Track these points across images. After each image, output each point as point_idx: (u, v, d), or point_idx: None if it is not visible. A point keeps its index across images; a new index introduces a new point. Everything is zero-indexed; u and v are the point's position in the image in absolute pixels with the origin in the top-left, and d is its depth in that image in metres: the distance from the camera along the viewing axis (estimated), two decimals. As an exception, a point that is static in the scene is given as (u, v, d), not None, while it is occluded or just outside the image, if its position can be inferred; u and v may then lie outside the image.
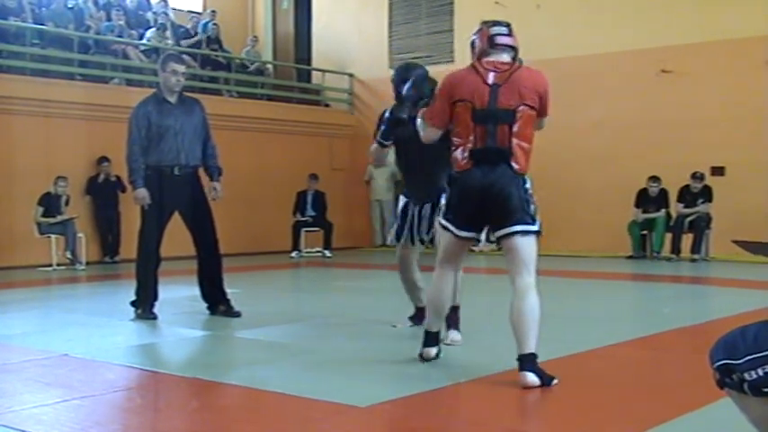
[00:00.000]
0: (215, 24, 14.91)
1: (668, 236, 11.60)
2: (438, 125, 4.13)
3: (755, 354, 2.07)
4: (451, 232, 4.06)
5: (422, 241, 5.13)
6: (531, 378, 3.71)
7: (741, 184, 11.47)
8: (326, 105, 16.01)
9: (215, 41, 14.77)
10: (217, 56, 14.60)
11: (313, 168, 13.68)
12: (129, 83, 12.63)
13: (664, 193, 11.69)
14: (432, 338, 4.30)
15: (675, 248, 11.41)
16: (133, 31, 13.56)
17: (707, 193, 11.40)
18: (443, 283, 4.21)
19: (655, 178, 11.63)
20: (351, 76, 15.66)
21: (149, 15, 14.60)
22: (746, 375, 2.08)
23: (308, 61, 16.39)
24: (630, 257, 11.76)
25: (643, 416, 3.34)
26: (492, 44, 3.99)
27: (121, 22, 13.35)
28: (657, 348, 5.01)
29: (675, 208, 11.63)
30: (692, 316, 6.44)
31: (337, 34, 15.84)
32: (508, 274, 3.94)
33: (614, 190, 12.25)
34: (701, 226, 11.33)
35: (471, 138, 3.92)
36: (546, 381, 3.75)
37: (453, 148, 4.03)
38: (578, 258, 11.81)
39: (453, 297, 4.86)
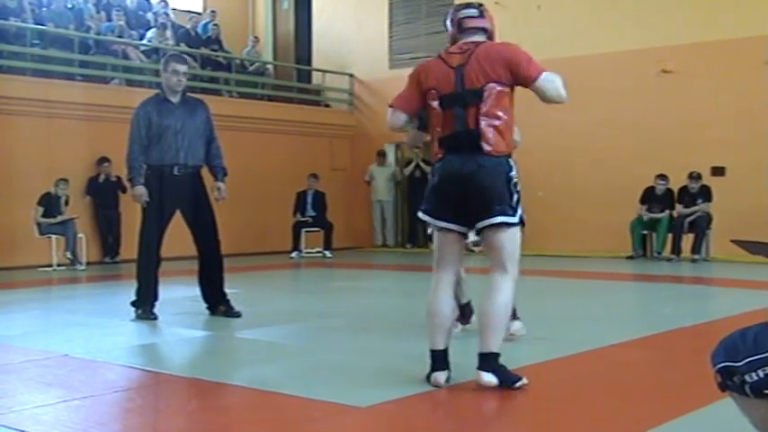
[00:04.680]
0: (215, 25, 14.92)
1: (669, 236, 11.60)
2: (400, 108, 3.95)
3: (756, 356, 2.07)
4: (429, 224, 3.89)
5: None
6: (488, 378, 3.58)
7: (741, 184, 11.46)
8: (327, 106, 16.02)
9: (215, 42, 14.77)
10: (217, 56, 14.60)
11: (313, 168, 13.69)
12: (130, 83, 12.64)
13: (670, 193, 11.68)
14: (439, 360, 3.76)
15: (676, 249, 11.41)
16: (133, 32, 13.58)
17: (705, 193, 11.39)
18: (441, 292, 3.81)
19: (662, 176, 11.61)
20: (351, 76, 15.66)
21: (149, 16, 14.62)
22: (747, 377, 2.08)
23: (309, 61, 16.40)
24: (630, 257, 11.75)
25: (643, 416, 3.34)
26: (461, 28, 3.87)
27: (122, 23, 13.36)
28: (658, 348, 5.01)
29: (676, 208, 11.63)
30: (693, 316, 6.44)
31: (337, 34, 15.84)
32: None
33: (614, 190, 12.25)
34: (701, 226, 11.33)
35: (441, 125, 3.79)
36: (509, 381, 3.60)
37: (431, 138, 3.90)
38: (578, 258, 11.80)
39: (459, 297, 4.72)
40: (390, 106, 4.00)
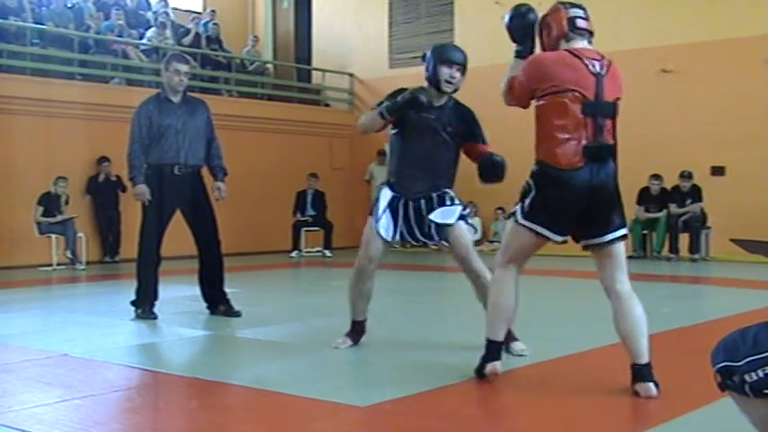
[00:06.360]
0: (215, 24, 14.92)
1: (668, 235, 11.63)
2: (518, 104, 3.82)
3: (755, 355, 2.07)
4: (542, 236, 3.69)
5: (416, 241, 4.67)
6: (653, 389, 3.51)
7: (741, 183, 11.47)
8: (326, 105, 16.02)
9: (215, 41, 14.77)
10: (217, 55, 14.60)
11: (313, 168, 13.69)
12: (130, 82, 12.64)
13: (665, 192, 11.71)
14: (496, 350, 3.82)
15: (673, 248, 11.43)
16: (133, 31, 13.57)
17: (696, 193, 11.44)
18: (508, 285, 3.80)
19: (656, 176, 11.65)
20: (351, 75, 15.66)
21: (149, 15, 14.61)
22: (747, 377, 2.08)
23: (309, 61, 16.40)
24: (630, 257, 11.74)
25: (643, 416, 3.34)
26: (573, 27, 3.71)
27: (121, 22, 13.35)
28: (657, 348, 4.98)
29: (669, 208, 11.66)
30: (692, 316, 6.44)
31: (337, 34, 15.84)
32: (600, 278, 3.79)
33: (614, 189, 12.24)
34: (695, 226, 11.36)
35: (582, 132, 3.57)
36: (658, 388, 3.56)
37: (555, 142, 3.59)
38: (578, 258, 11.78)
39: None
40: (509, 95, 3.84)
